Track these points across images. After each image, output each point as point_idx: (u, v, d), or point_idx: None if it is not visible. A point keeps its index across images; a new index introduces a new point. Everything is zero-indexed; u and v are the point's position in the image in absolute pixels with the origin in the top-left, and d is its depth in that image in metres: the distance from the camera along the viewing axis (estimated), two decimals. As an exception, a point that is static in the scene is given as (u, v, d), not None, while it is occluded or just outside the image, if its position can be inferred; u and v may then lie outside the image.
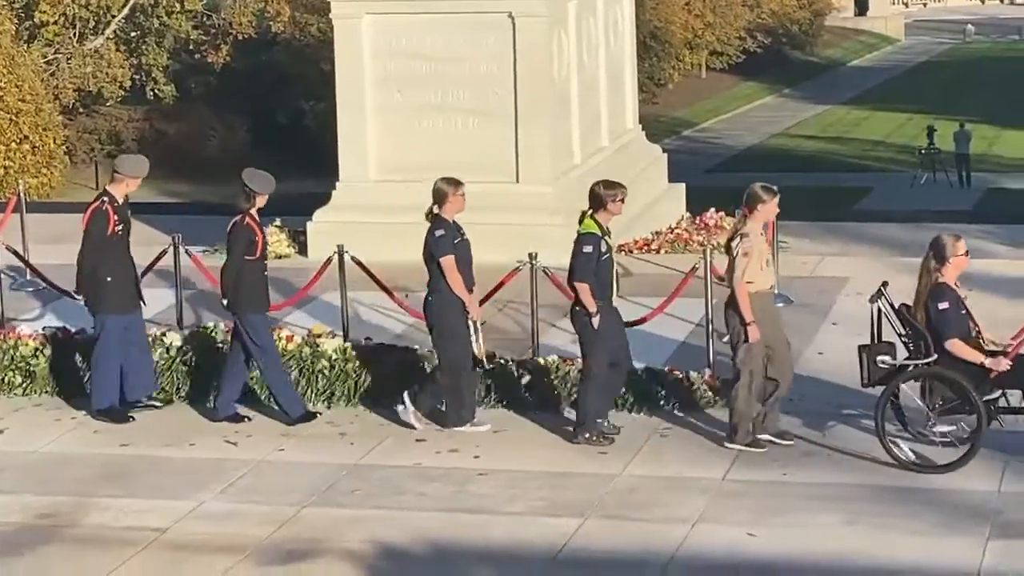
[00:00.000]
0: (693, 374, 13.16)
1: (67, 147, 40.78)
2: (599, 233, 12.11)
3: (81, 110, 44.53)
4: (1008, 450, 11.53)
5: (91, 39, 44.27)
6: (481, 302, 14.56)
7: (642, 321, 14.61)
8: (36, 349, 13.88)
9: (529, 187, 18.02)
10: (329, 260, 14.86)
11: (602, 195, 12.18)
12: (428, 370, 12.86)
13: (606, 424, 12.23)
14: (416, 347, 13.53)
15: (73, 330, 14.24)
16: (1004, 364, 11.21)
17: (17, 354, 13.88)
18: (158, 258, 15.38)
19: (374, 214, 18.07)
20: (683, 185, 22.00)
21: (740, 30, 69.78)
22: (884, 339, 11.74)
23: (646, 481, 11.47)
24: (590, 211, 12.21)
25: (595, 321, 11.99)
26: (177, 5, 45.20)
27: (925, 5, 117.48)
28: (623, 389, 12.76)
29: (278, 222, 19.28)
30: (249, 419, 12.95)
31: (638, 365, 13.17)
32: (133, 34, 45.93)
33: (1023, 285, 15.04)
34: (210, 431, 12.78)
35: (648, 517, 10.81)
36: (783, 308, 16.01)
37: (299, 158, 40.05)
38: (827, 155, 51.97)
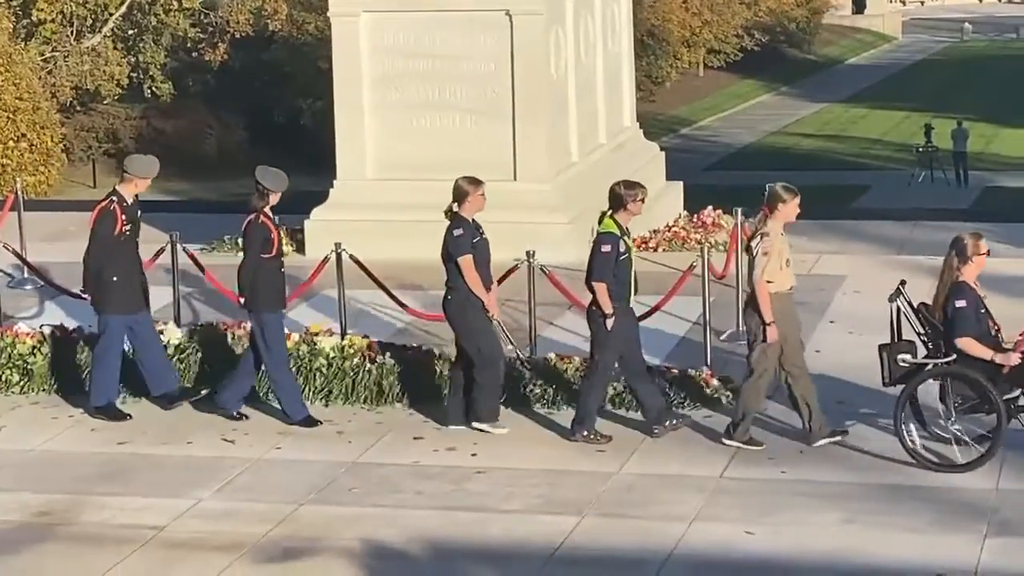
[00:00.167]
0: (691, 372, 13.15)
1: (64, 145, 40.74)
2: (618, 233, 12.08)
3: (78, 108, 44.50)
4: (1005, 448, 11.52)
5: (88, 37, 44.24)
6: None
7: (640, 319, 14.62)
8: (34, 347, 13.87)
9: (527, 185, 18.03)
10: (327, 258, 14.87)
11: (622, 195, 12.15)
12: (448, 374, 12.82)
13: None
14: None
15: (70, 328, 14.22)
16: (1014, 359, 11.21)
17: (15, 352, 13.87)
18: (156, 256, 15.37)
19: (372, 212, 18.08)
20: (681, 183, 22.02)
21: (737, 28, 69.81)
22: (904, 338, 11.71)
23: (643, 479, 11.48)
24: (609, 211, 12.17)
25: (609, 323, 11.96)
26: (175, 3, 45.17)
27: (923, 3, 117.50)
28: (617, 387, 12.76)
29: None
30: (246, 417, 12.94)
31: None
32: (130, 32, 45.89)
33: (1022, 283, 15.04)
34: (208, 429, 12.77)
35: (645, 515, 10.82)
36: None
37: (296, 156, 40.01)
38: (825, 153, 52.00)
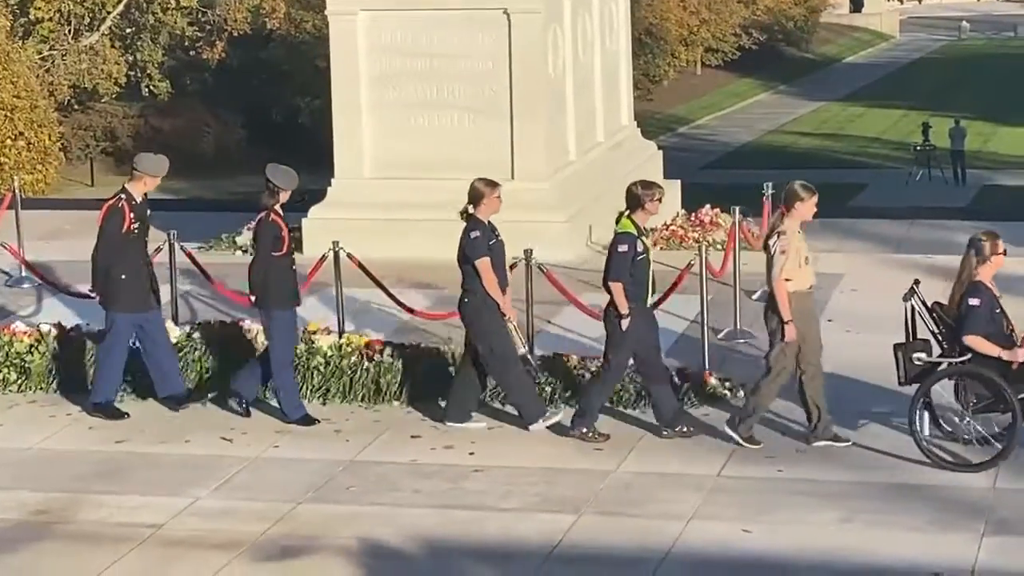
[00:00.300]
0: (689, 370, 13.15)
1: (62, 144, 40.74)
2: (636, 233, 12.07)
3: (76, 107, 44.51)
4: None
5: (86, 36, 44.24)
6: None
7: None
8: (31, 345, 13.86)
9: (524, 183, 18.02)
10: (324, 257, 14.86)
11: (640, 195, 12.14)
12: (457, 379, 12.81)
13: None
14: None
15: (68, 326, 14.20)
16: (1021, 355, 11.20)
17: (12, 350, 13.86)
18: (154, 254, 15.33)
19: (369, 211, 18.08)
20: (678, 182, 22.01)
21: (735, 27, 69.81)
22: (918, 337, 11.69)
23: (641, 477, 11.48)
24: (627, 211, 12.16)
25: (624, 323, 11.94)
26: (172, 2, 45.19)
27: (920, 2, 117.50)
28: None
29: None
30: (247, 415, 12.93)
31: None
32: (128, 30, 45.90)
33: (1019, 282, 15.03)
34: (206, 428, 12.77)
35: (643, 513, 10.82)
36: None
37: (294, 155, 39.84)
38: (822, 152, 52.01)
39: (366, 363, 13.29)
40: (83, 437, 12.72)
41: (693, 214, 19.99)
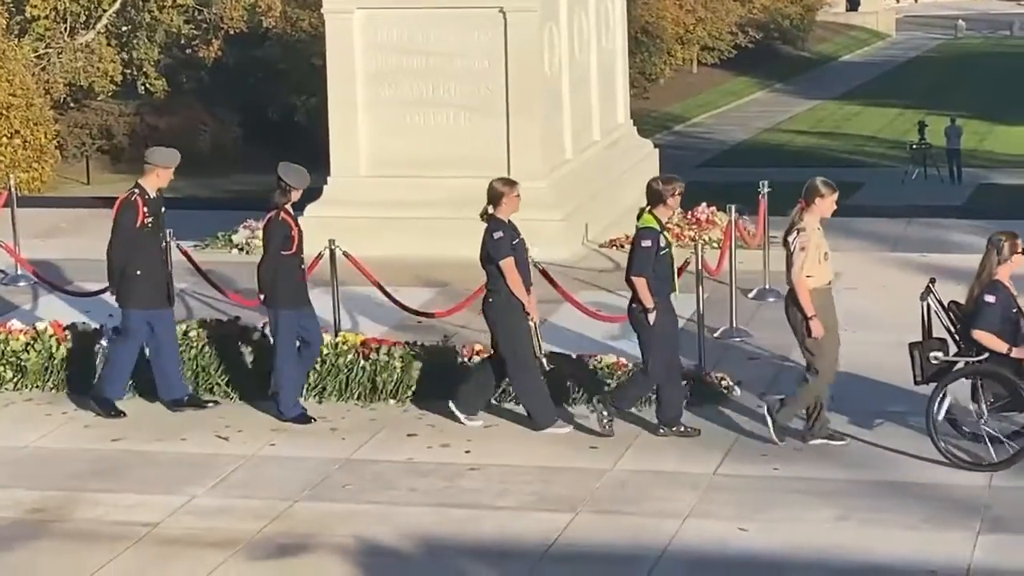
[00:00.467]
0: (686, 369, 13.14)
1: (58, 142, 40.74)
2: (658, 228, 12.06)
3: (72, 105, 44.49)
4: (999, 445, 11.55)
5: (82, 34, 44.22)
6: (471, 297, 14.61)
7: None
8: (27, 344, 13.84)
9: (520, 182, 17.97)
10: (320, 255, 14.86)
11: (661, 190, 12.13)
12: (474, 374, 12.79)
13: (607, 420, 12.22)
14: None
15: (64, 324, 14.18)
16: None
17: (8, 349, 13.84)
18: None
19: (365, 209, 18.07)
20: (674, 180, 21.97)
21: (731, 25, 69.83)
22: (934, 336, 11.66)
23: (637, 475, 11.48)
24: (648, 207, 12.15)
25: (651, 317, 11.93)
26: (168, 0, 45.16)
27: (916, 1, 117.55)
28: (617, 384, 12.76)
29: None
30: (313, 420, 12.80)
31: (624, 360, 13.18)
32: (124, 29, 45.88)
33: (1016, 281, 15.03)
34: (202, 426, 12.77)
35: (639, 511, 10.82)
36: (774, 303, 16.05)
37: (290, 153, 39.83)
38: (818, 150, 52.04)
39: (362, 361, 13.28)
40: (79, 435, 12.72)
41: (689, 212, 19.97)
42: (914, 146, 44.97)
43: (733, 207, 15.77)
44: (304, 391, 13.11)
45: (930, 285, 11.74)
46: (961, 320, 11.52)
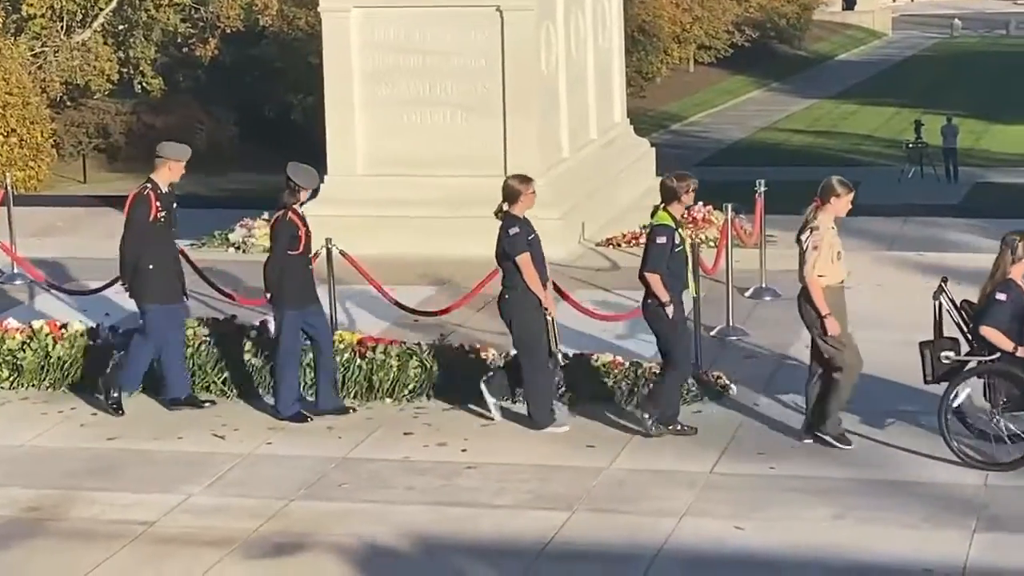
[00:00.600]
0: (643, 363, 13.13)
1: (54, 140, 40.71)
2: (673, 225, 12.07)
3: (68, 103, 44.44)
4: (995, 444, 11.55)
5: (78, 32, 44.18)
6: (468, 296, 14.62)
7: (630, 314, 14.63)
8: (23, 342, 13.83)
9: (517, 181, 17.99)
10: (317, 253, 14.84)
11: (676, 187, 12.11)
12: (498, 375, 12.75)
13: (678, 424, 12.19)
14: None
15: (60, 323, 14.17)
16: None
17: (3, 347, 13.83)
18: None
19: (362, 207, 18.07)
20: (671, 179, 21.97)
21: (728, 24, 69.83)
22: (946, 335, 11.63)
23: (634, 474, 11.48)
24: (662, 204, 12.15)
25: (669, 310, 11.92)
26: (165, -2, 45.15)
27: (912, 0, 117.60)
28: (613, 381, 12.75)
29: (266, 215, 19.26)
30: (353, 409, 12.83)
31: (624, 358, 13.19)
32: (121, 27, 45.83)
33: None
34: (198, 425, 12.76)
35: (636, 510, 10.82)
36: (770, 302, 16.07)
37: (287, 152, 39.88)
38: (815, 149, 52.03)
39: (358, 360, 13.27)
40: (75, 434, 12.71)
41: (686, 211, 19.96)
42: (910, 145, 44.95)
43: (730, 206, 15.77)
44: (301, 389, 13.08)
45: (942, 284, 11.70)
46: (973, 319, 11.49)
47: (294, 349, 12.76)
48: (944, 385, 11.48)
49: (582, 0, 19.91)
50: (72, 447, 12.41)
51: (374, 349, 13.37)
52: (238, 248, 18.82)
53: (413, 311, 14.87)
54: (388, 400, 13.11)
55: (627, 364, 13.08)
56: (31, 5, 42.31)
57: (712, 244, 17.61)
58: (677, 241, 12.04)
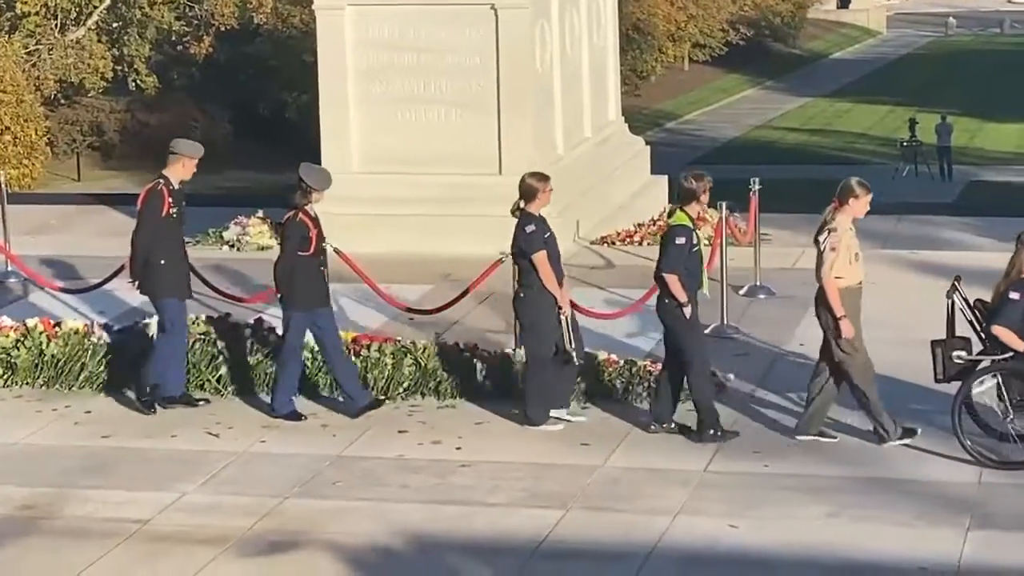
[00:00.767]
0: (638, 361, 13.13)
1: (48, 138, 40.67)
2: (691, 225, 12.06)
3: (63, 101, 44.40)
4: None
5: (73, 30, 44.14)
6: (463, 294, 14.61)
7: (624, 312, 14.65)
8: (17, 340, 13.81)
9: (512, 178, 17.84)
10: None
11: (695, 188, 12.10)
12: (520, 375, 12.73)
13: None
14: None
15: (54, 321, 14.16)
16: None
17: (-2, 345, 13.82)
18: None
19: (356, 205, 18.05)
20: (666, 177, 22.04)
21: (723, 22, 69.87)
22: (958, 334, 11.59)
23: (628, 472, 11.48)
24: (679, 204, 12.14)
25: (687, 311, 11.92)
26: (159, -4, 45.10)
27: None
28: (608, 379, 12.74)
29: (260, 213, 19.28)
30: (380, 401, 12.79)
31: (618, 356, 13.19)
32: (115, 25, 45.79)
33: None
34: (192, 423, 12.75)
35: (630, 508, 10.82)
36: (764, 300, 16.08)
37: (281, 150, 39.88)
38: (809, 147, 52.08)
39: (353, 358, 13.26)
40: (69, 432, 12.70)
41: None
42: (905, 143, 44.98)
43: (724, 204, 15.77)
44: (297, 389, 13.07)
45: (956, 283, 11.68)
46: (987, 318, 11.47)
47: (297, 349, 12.76)
48: (956, 384, 11.44)
49: (577, -2, 19.92)
50: (66, 445, 12.40)
51: (368, 347, 13.37)
52: (232, 246, 18.81)
53: (408, 309, 14.87)
54: (382, 398, 13.10)
55: (621, 362, 13.08)
56: (25, 3, 42.27)
57: (706, 242, 17.57)
58: (695, 241, 12.04)
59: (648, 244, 18.46)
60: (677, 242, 11.97)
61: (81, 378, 13.51)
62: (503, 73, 18.15)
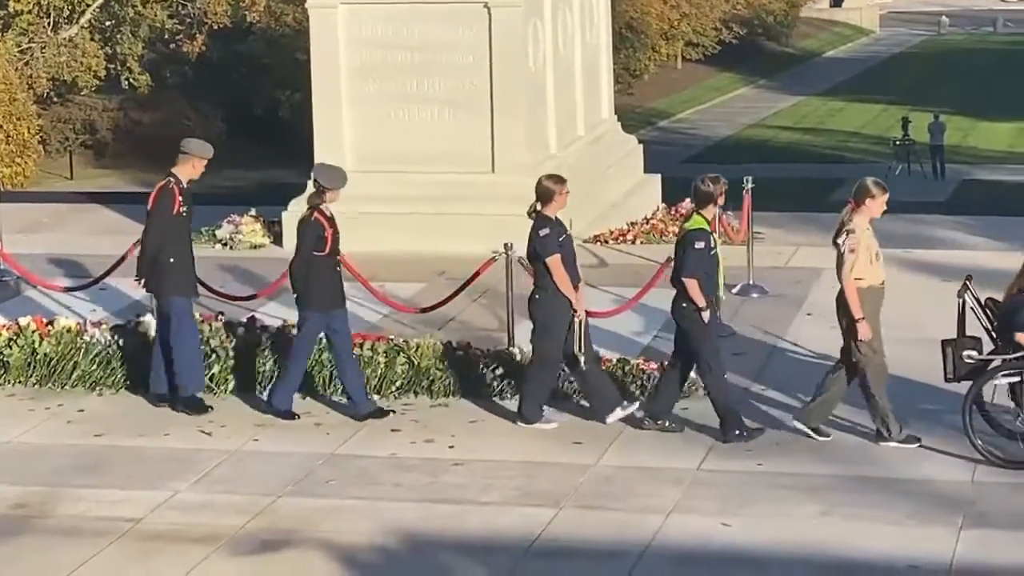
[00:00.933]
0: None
1: (41, 137, 40.60)
2: (708, 228, 12.06)
3: (55, 99, 44.32)
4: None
5: (65, 28, 44.07)
6: (456, 293, 14.61)
7: (617, 311, 14.65)
8: (10, 339, 13.79)
9: (505, 177, 18.03)
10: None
11: (712, 191, 12.09)
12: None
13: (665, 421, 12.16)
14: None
15: (47, 320, 14.15)
16: None
17: (-9, 344, 13.80)
18: (133, 247, 15.29)
19: (350, 204, 17.95)
20: (659, 176, 22.06)
21: (716, 21, 69.86)
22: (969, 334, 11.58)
23: (621, 471, 11.49)
24: (695, 208, 12.14)
25: (705, 315, 11.90)
26: (152, -6, 45.03)
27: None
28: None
29: (253, 212, 19.27)
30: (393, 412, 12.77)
31: (611, 355, 13.19)
32: (108, 23, 45.72)
33: (1005, 277, 15.05)
34: (185, 422, 12.74)
35: (623, 507, 10.83)
36: (758, 299, 16.09)
37: (274, 148, 39.91)
38: (802, 146, 52.09)
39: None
40: (62, 431, 12.69)
41: (673, 208, 20.00)
42: (897, 142, 45.01)
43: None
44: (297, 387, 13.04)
45: (967, 282, 11.67)
46: (999, 317, 11.46)
47: (308, 348, 12.76)
48: (966, 384, 11.44)
49: (570, -4, 19.92)
50: (59, 444, 12.39)
51: (361, 345, 13.36)
52: (225, 244, 18.80)
53: (403, 308, 14.86)
54: (376, 396, 13.10)
55: (615, 360, 13.09)
56: (18, 1, 42.20)
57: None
58: (712, 244, 12.06)
59: (641, 243, 18.47)
60: (696, 246, 11.97)
61: (74, 377, 13.51)
62: (496, 71, 18.16)
